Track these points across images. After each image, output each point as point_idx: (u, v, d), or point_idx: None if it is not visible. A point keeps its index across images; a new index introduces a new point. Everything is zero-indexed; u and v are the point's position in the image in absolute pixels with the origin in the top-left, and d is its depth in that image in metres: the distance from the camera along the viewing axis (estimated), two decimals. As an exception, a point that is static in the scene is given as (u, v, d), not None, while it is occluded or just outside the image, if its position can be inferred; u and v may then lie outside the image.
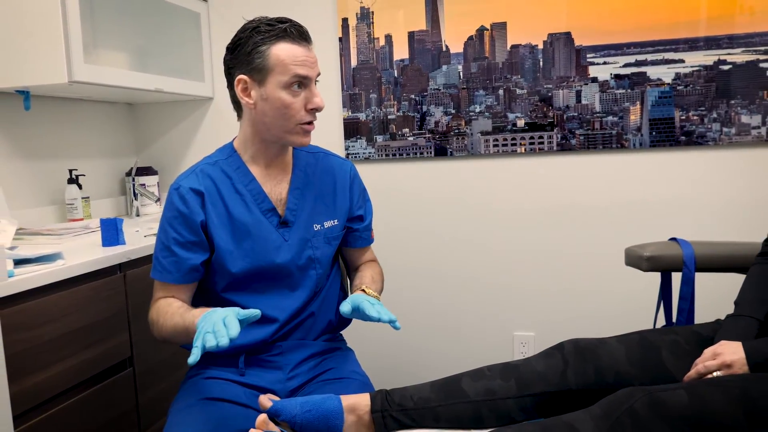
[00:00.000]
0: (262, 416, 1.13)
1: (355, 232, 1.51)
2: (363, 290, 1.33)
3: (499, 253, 2.24)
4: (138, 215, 2.34)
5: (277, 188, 1.40)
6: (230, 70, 1.32)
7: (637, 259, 1.46)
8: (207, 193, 1.35)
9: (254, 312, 1.11)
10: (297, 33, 1.27)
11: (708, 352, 1.08)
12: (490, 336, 2.28)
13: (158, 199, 2.38)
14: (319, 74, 1.32)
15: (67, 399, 1.44)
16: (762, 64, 1.97)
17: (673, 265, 1.44)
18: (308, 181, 1.43)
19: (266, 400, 1.14)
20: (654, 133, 2.05)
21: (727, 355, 1.04)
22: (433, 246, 2.29)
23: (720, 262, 1.43)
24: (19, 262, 1.36)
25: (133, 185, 2.33)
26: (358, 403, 1.15)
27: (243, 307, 1.37)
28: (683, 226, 2.04)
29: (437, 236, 2.29)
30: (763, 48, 1.96)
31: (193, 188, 1.35)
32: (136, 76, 2.02)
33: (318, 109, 1.31)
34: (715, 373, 1.05)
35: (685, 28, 2.00)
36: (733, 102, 1.99)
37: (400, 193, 2.30)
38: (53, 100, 2.12)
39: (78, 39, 1.76)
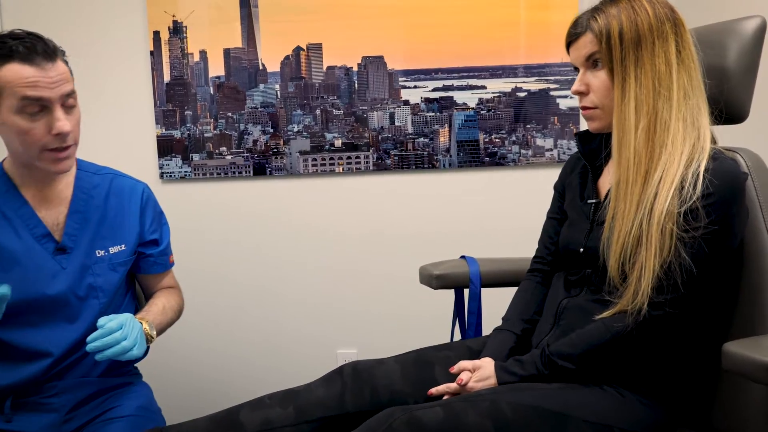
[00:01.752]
0: None
1: (149, 257, 1.44)
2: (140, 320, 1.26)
3: (320, 271, 2.24)
4: None
5: (53, 212, 1.30)
6: None
7: (427, 278, 1.52)
8: None
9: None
10: (26, 50, 1.14)
11: (468, 366, 1.14)
12: (314, 354, 2.27)
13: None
14: (67, 94, 1.19)
15: None
16: (552, 92, 2.16)
17: (462, 282, 1.52)
18: (91, 203, 1.34)
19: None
20: (461, 154, 2.17)
21: (481, 371, 1.12)
22: (255, 266, 2.25)
23: (502, 278, 1.52)
24: None
25: None
26: (126, 444, 1.08)
27: (8, 344, 1.25)
28: (489, 242, 2.16)
29: (258, 256, 2.24)
30: (553, 78, 2.15)
31: None
32: None
33: (62, 134, 1.17)
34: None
35: (486, 56, 2.14)
36: (529, 126, 2.16)
37: (219, 213, 2.23)
38: None
39: None
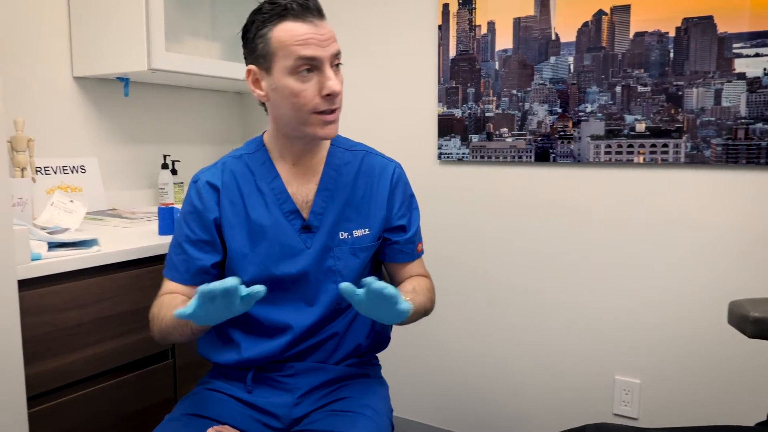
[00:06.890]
0: None
1: (395, 244, 1.31)
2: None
3: (602, 280, 1.88)
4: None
5: (303, 189, 1.26)
6: (245, 61, 1.21)
7: (739, 319, 1.08)
8: (224, 188, 1.25)
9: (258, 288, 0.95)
10: (300, 8, 1.11)
11: None
12: (586, 376, 1.94)
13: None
14: (336, 54, 1.14)
15: (95, 384, 1.44)
16: None
17: (793, 332, 1.05)
18: (340, 182, 1.27)
19: (212, 434, 1.02)
20: (822, 147, 1.57)
21: None
22: (529, 264, 2.00)
23: None
24: (57, 246, 1.39)
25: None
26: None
27: (252, 317, 1.26)
28: None
29: (533, 255, 1.99)
30: None
31: (209, 182, 1.26)
32: (224, 65, 2.01)
33: (333, 95, 1.13)
34: None
35: None
36: None
37: (494, 202, 2.04)
38: (156, 87, 2.19)
39: (160, 28, 1.78)
